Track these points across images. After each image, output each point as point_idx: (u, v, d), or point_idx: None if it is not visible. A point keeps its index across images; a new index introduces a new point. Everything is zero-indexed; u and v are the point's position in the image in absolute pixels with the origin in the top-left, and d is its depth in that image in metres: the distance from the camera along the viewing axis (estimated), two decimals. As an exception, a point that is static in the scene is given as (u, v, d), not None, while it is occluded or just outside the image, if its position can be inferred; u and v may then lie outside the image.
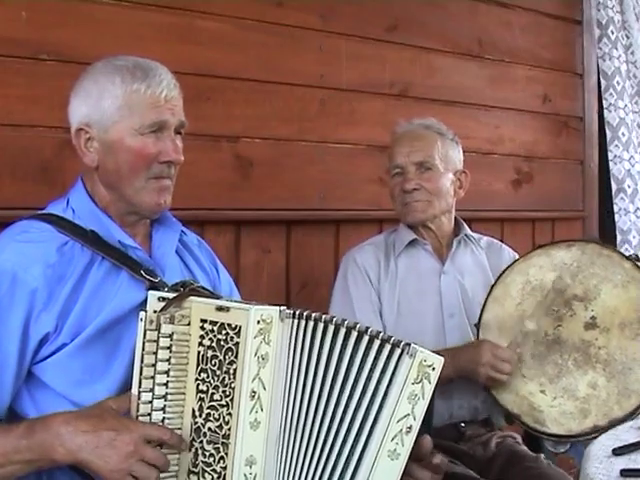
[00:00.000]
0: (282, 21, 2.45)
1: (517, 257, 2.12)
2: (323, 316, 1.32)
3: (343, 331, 1.30)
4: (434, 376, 1.30)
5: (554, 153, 3.33)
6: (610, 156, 3.32)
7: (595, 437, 1.78)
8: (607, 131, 3.32)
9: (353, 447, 1.29)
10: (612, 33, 3.28)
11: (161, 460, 1.27)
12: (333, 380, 1.30)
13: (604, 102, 3.32)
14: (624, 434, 1.69)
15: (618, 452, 1.57)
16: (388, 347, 1.29)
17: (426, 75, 2.85)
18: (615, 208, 3.34)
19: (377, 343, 1.30)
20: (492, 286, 2.03)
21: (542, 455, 2.05)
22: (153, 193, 1.48)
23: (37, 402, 1.40)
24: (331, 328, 1.31)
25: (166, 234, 1.58)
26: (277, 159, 2.46)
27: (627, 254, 1.96)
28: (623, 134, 3.30)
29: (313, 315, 1.32)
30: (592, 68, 3.44)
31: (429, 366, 1.30)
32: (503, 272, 2.03)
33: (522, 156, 3.20)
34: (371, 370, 1.30)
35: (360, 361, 1.30)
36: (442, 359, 1.31)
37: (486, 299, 2.01)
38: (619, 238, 3.33)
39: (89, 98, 1.46)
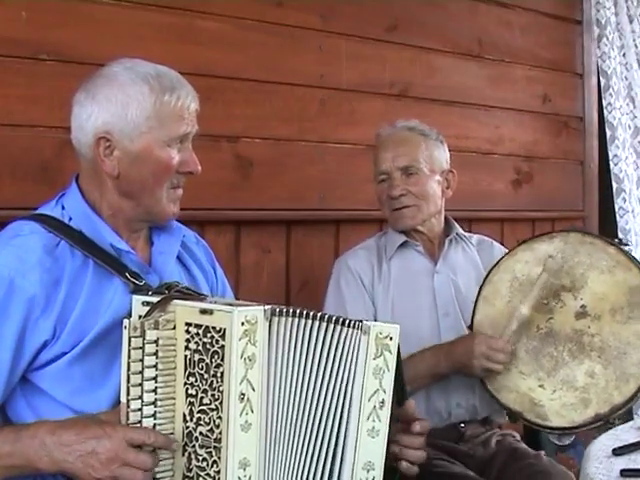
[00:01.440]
0: (282, 21, 2.45)
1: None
2: (304, 311, 1.32)
3: (317, 324, 1.32)
4: (393, 345, 1.34)
5: (554, 153, 3.32)
6: (610, 155, 3.32)
7: (599, 426, 1.79)
8: (607, 131, 3.32)
9: (338, 436, 1.33)
10: (610, 33, 3.29)
11: (146, 463, 1.24)
12: (312, 373, 1.32)
13: (604, 102, 3.32)
14: (624, 434, 1.70)
15: (618, 452, 1.58)
16: (345, 330, 1.33)
17: (426, 75, 2.85)
18: (616, 207, 3.34)
19: (338, 328, 1.33)
20: (480, 286, 2.02)
21: (543, 452, 2.04)
22: (171, 202, 1.49)
23: (36, 410, 1.39)
24: (309, 323, 1.32)
25: (168, 240, 1.57)
26: (277, 159, 2.46)
27: (611, 239, 1.94)
28: (621, 134, 3.31)
29: (301, 312, 1.32)
30: (592, 68, 3.43)
31: (386, 337, 1.34)
32: (490, 271, 2.02)
33: (522, 156, 3.19)
34: (341, 357, 1.33)
35: (329, 349, 1.33)
36: (397, 326, 1.35)
37: (476, 300, 2.01)
38: (621, 237, 3.32)
39: (111, 105, 1.42)
